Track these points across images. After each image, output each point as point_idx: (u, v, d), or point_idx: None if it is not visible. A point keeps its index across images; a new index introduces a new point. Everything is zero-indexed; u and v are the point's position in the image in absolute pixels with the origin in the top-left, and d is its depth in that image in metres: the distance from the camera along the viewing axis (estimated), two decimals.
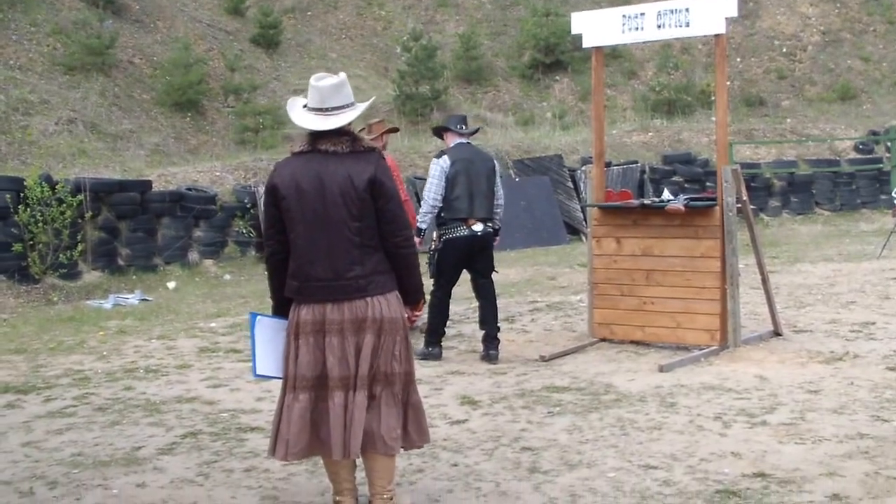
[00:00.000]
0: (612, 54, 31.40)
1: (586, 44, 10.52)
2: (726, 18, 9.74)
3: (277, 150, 21.95)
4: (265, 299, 14.37)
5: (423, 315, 10.79)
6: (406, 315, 5.59)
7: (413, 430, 5.61)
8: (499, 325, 10.05)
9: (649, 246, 10.14)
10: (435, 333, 9.98)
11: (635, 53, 31.79)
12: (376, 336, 5.35)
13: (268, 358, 5.64)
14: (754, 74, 31.07)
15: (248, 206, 18.28)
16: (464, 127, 10.04)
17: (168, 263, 17.34)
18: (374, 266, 5.35)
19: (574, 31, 10.64)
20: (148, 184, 17.55)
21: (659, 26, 9.98)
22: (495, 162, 10.15)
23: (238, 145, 23.22)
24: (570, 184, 21.77)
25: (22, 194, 15.71)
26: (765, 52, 31.93)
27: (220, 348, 11.01)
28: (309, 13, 31.82)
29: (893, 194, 19.09)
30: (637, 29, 10.09)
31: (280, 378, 5.55)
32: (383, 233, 5.36)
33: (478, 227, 9.75)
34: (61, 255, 15.78)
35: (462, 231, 9.70)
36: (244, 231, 18.17)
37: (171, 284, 16.61)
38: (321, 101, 5.34)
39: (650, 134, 25.27)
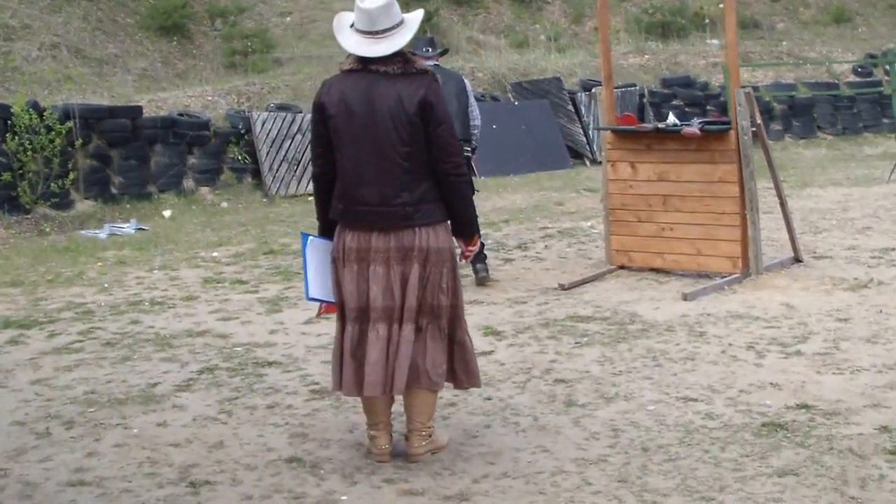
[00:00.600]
0: None
1: None
2: None
3: (269, 74, 21.52)
4: (265, 227, 14.47)
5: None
6: (457, 248, 5.40)
7: (460, 369, 5.41)
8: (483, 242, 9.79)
9: (665, 171, 9.86)
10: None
11: None
12: (422, 266, 5.15)
13: (320, 280, 5.44)
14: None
15: (242, 131, 17.85)
16: (430, 50, 9.65)
17: (162, 192, 16.95)
18: (423, 194, 5.15)
19: None
20: (138, 110, 17.11)
21: None
22: (465, 81, 9.88)
23: (227, 69, 22.68)
24: (570, 107, 21.39)
25: (9, 122, 15.28)
26: None
27: (224, 279, 10.74)
28: None
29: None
30: None
31: (333, 302, 5.40)
32: (434, 159, 5.15)
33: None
34: (52, 184, 15.40)
35: None
36: (240, 157, 17.77)
37: (167, 213, 16.25)
38: (370, 24, 5.10)
39: (646, 56, 24.86)
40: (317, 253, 5.45)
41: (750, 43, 26.52)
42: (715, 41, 26.60)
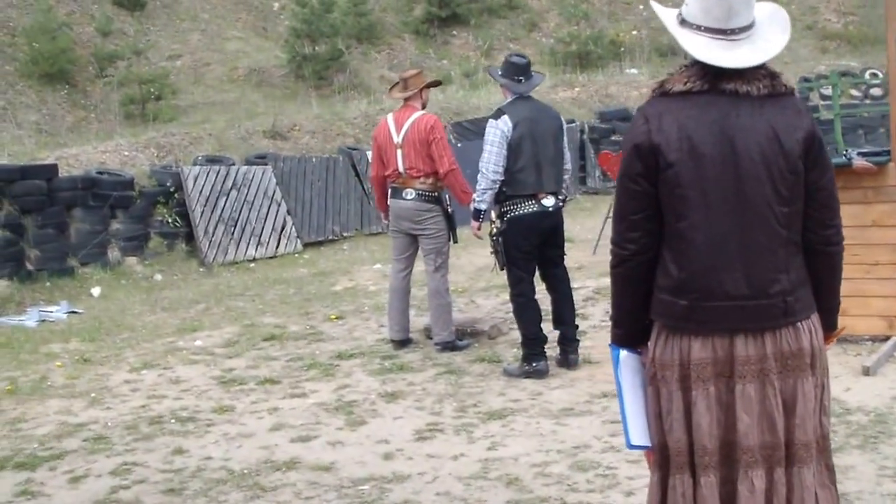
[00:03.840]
0: (510, 5, 29.31)
1: None
2: None
3: (179, 122, 19.05)
4: (226, 304, 12.17)
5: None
6: None
7: None
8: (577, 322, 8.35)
9: None
10: (536, 342, 8.00)
11: (532, 4, 29.72)
12: (815, 379, 3.53)
13: (642, 415, 3.68)
14: (659, 23, 29.26)
15: (171, 189, 15.33)
16: (523, 79, 7.99)
17: (85, 265, 14.31)
18: (799, 274, 3.54)
19: None
20: (53, 169, 14.43)
21: None
22: (562, 119, 8.25)
23: (126, 119, 20.10)
24: None
25: None
26: None
27: (244, 378, 8.63)
28: None
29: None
30: None
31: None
32: (812, 221, 3.53)
33: (548, 202, 7.95)
34: None
35: (530, 207, 7.87)
36: (169, 220, 15.24)
37: (96, 291, 13.68)
38: (726, 17, 3.45)
39: (577, 89, 23.25)
40: (632, 375, 3.71)
41: (671, 70, 25.22)
42: (633, 70, 25.38)
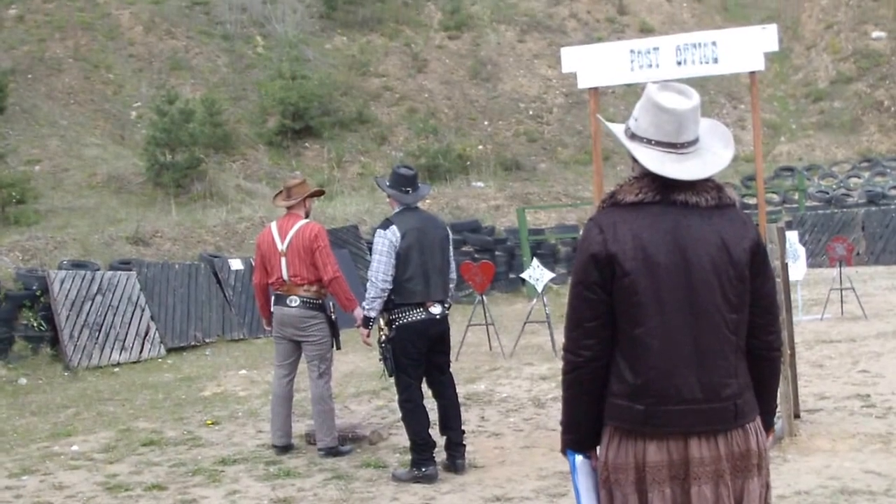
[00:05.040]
0: (360, 119, 30.21)
1: (582, 84, 9.06)
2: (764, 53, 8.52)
3: (41, 227, 19.17)
4: (96, 408, 12.34)
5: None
6: None
7: None
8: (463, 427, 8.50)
9: None
10: (425, 447, 8.12)
11: (382, 119, 30.68)
12: (759, 478, 3.71)
13: None
14: (504, 138, 30.66)
15: (37, 293, 15.50)
16: (410, 190, 8.28)
17: None
18: (745, 378, 3.71)
19: (566, 69, 9.16)
20: None
21: (679, 62, 8.65)
22: (448, 229, 8.56)
23: None
24: (369, 257, 20.10)
25: None
26: (511, 114, 31.62)
27: (128, 484, 8.58)
28: (30, 76, 28.62)
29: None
30: (651, 66, 8.73)
31: None
32: (755, 327, 3.74)
33: (436, 310, 8.16)
34: None
35: (419, 314, 8.08)
36: (34, 324, 15.38)
37: None
38: (677, 132, 3.68)
39: (428, 201, 24.05)
40: (587, 479, 3.88)
41: (519, 185, 26.35)
42: (480, 183, 26.37)
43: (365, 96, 31.25)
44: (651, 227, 3.63)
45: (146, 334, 16.32)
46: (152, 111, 26.28)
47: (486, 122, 31.08)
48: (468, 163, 27.96)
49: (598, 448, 3.81)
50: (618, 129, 3.85)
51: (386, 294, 8.02)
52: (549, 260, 22.85)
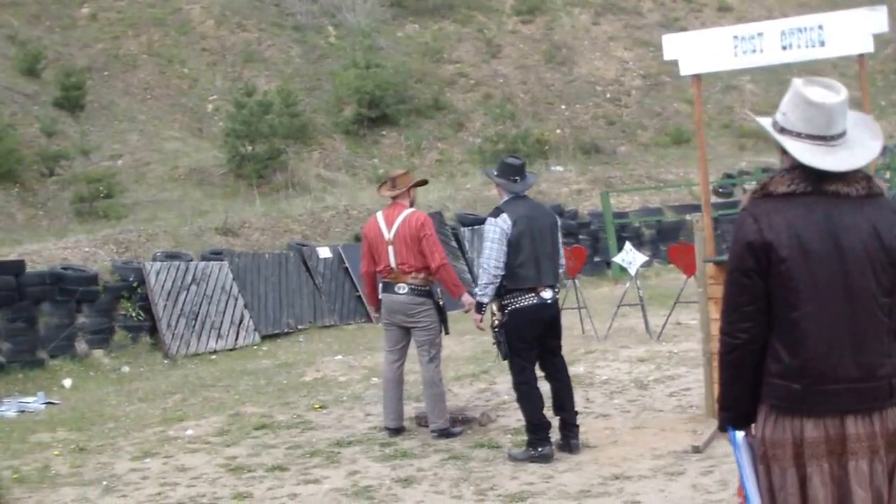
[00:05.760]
0: (436, 106, 30.26)
1: (685, 71, 9.04)
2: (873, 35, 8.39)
3: (131, 220, 19.46)
4: (201, 394, 12.54)
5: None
6: None
7: None
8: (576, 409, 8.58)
9: None
10: (540, 428, 8.20)
11: (458, 105, 30.70)
12: None
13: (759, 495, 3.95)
14: (582, 122, 30.50)
15: (134, 284, 15.76)
16: (518, 179, 8.39)
17: (53, 357, 14.63)
18: None
19: (668, 56, 9.16)
20: (21, 265, 14.80)
21: (784, 47, 8.58)
22: (556, 216, 8.71)
23: (77, 217, 20.44)
24: (454, 243, 20.21)
25: None
26: (589, 98, 31.43)
27: (249, 465, 8.78)
28: (106, 73, 29.07)
29: None
30: (755, 51, 8.67)
31: None
32: None
33: (546, 294, 8.24)
34: None
35: (530, 299, 8.17)
36: (133, 314, 15.65)
37: (67, 382, 13.97)
38: (827, 125, 3.81)
39: None
40: (747, 455, 4.00)
41: (599, 168, 26.23)
42: (559, 168, 26.28)
43: (440, 83, 31.27)
44: (804, 216, 3.78)
45: (241, 322, 16.53)
46: (229, 103, 26.54)
47: (563, 106, 30.94)
48: (546, 147, 27.88)
49: (754, 425, 3.95)
50: (765, 122, 3.98)
51: (498, 280, 8.09)
52: (634, 243, 22.77)
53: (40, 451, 9.96)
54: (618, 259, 15.41)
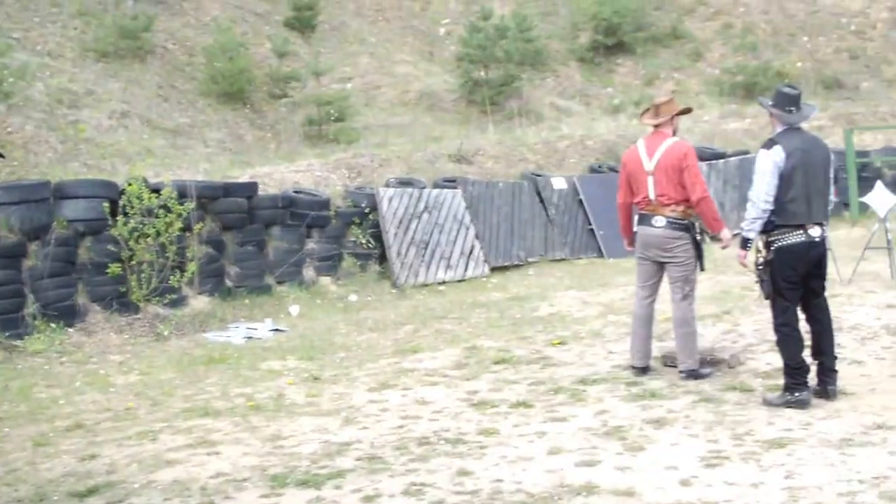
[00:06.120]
0: (674, 34, 28.92)
1: None
2: None
3: (362, 145, 19.05)
4: (431, 326, 12.00)
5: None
6: None
7: None
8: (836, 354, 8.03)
9: None
10: (799, 372, 7.71)
11: (697, 34, 29.26)
12: None
13: None
14: (824, 55, 28.59)
15: (366, 210, 15.30)
16: (794, 110, 7.78)
17: (280, 283, 14.33)
18: None
19: None
20: (254, 187, 14.47)
21: None
22: (830, 151, 8.04)
23: (306, 140, 20.16)
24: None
25: (121, 203, 12.66)
26: (832, 30, 29.46)
27: (491, 400, 8.41)
28: None
29: None
30: None
31: None
32: None
33: (815, 232, 7.75)
34: (172, 278, 12.75)
35: (798, 237, 7.71)
36: (362, 241, 15.20)
37: (294, 310, 13.68)
38: None
39: (748, 120, 22.71)
40: None
41: (840, 104, 24.52)
42: (809, 102, 24.63)
43: (679, 11, 29.82)
44: None
45: (471, 253, 15.97)
46: (461, 28, 25.88)
47: (804, 38, 29.08)
48: (787, 80, 26.20)
49: None
50: None
51: (766, 215, 7.71)
52: (872, 184, 21.12)
53: (272, 378, 9.87)
54: (866, 199, 14.23)
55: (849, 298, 11.84)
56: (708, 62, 27.76)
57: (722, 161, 19.42)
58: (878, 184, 14.54)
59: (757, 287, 8.02)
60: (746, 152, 20.24)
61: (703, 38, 29.18)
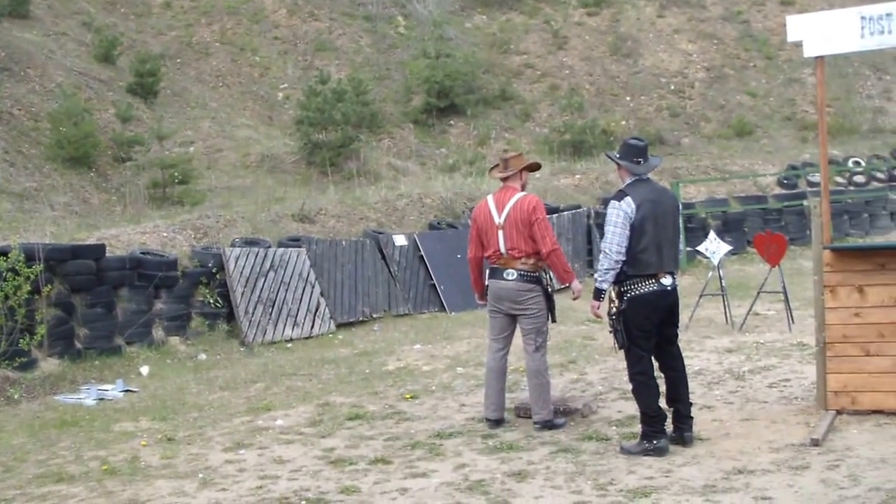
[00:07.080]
0: (503, 96, 30.16)
1: (809, 52, 8.77)
2: None
3: (206, 206, 19.42)
4: (282, 383, 12.41)
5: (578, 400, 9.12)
6: None
7: None
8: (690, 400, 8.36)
9: None
10: (657, 420, 8.01)
11: (525, 96, 30.55)
12: None
13: None
14: (647, 113, 30.30)
15: (213, 270, 15.65)
16: (641, 161, 8.13)
17: (130, 343, 14.54)
18: None
19: (791, 37, 8.91)
20: (101, 249, 14.68)
21: None
22: (678, 201, 8.44)
23: (152, 202, 20.45)
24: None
25: None
26: (653, 89, 31.23)
27: (349, 458, 8.61)
28: (179, 60, 29.24)
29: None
30: (882, 32, 8.42)
31: None
32: None
33: (667, 281, 8.02)
34: (21, 341, 12.90)
35: (651, 286, 7.93)
36: (210, 301, 15.56)
37: (145, 370, 13.87)
38: None
39: (577, 177, 23.83)
40: None
41: (665, 160, 25.96)
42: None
43: (507, 74, 31.19)
44: None
45: (317, 310, 16.40)
46: (300, 92, 26.50)
47: (627, 98, 30.74)
48: (612, 138, 27.67)
49: None
50: None
51: (619, 265, 7.91)
52: (700, 234, 22.44)
53: (126, 440, 9.86)
54: (701, 248, 15.18)
55: (688, 344, 12.26)
56: (536, 122, 28.98)
57: (555, 215, 20.35)
58: (711, 233, 15.54)
59: (611, 337, 8.21)
60: (578, 206, 21.28)
61: (531, 99, 30.44)
